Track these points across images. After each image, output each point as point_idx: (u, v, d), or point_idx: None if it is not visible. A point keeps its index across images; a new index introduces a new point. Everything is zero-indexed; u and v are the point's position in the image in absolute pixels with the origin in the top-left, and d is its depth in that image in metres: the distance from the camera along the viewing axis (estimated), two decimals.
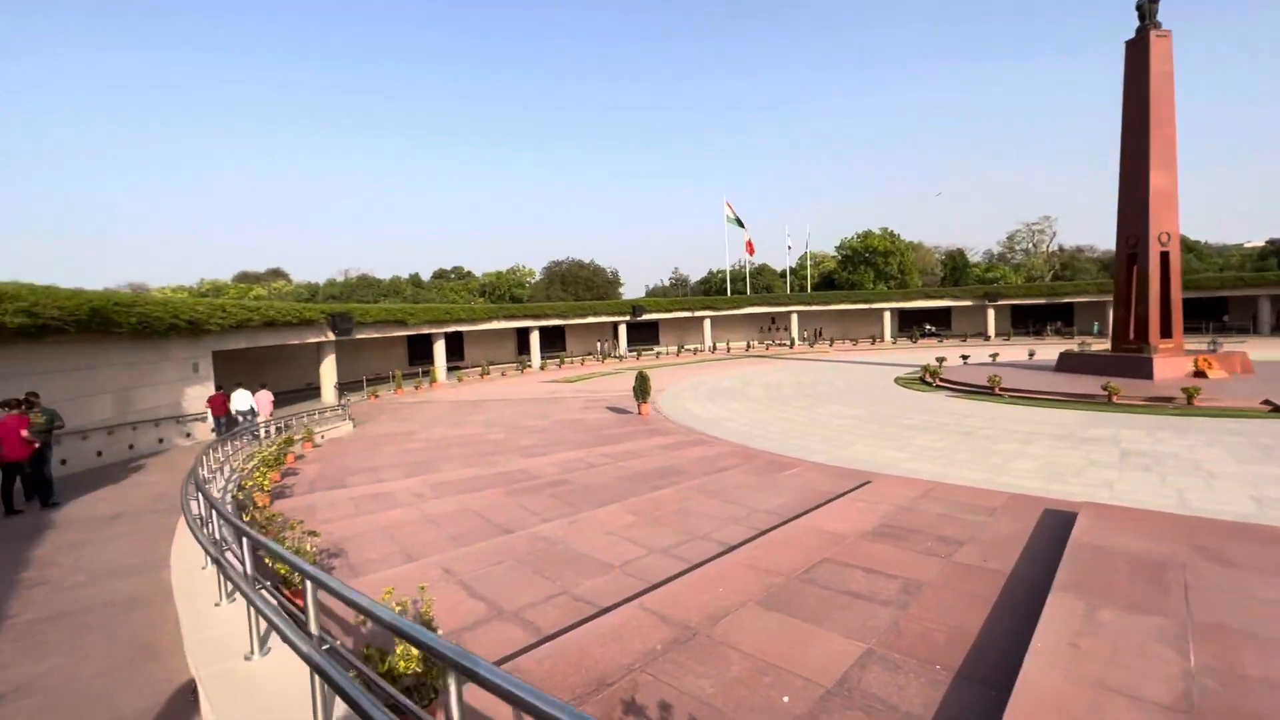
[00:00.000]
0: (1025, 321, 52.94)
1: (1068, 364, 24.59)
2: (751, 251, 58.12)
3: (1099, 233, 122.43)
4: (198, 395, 17.28)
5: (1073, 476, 9.91)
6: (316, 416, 18.38)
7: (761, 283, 71.53)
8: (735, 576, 5.08)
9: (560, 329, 47.39)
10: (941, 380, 24.57)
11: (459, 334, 39.87)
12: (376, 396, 28.80)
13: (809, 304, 53.47)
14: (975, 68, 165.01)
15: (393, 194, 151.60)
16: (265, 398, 17.61)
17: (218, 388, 17.47)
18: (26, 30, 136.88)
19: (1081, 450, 12.03)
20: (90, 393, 13.38)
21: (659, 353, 49.82)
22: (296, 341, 24.31)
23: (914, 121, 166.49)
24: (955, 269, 79.56)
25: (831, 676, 3.64)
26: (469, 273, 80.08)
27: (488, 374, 37.23)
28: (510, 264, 78.29)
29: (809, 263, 67.05)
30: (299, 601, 4.91)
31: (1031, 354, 31.66)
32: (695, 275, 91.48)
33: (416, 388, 32.12)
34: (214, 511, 4.34)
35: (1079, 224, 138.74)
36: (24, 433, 8.86)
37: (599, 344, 48.37)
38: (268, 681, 3.04)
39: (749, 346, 52.54)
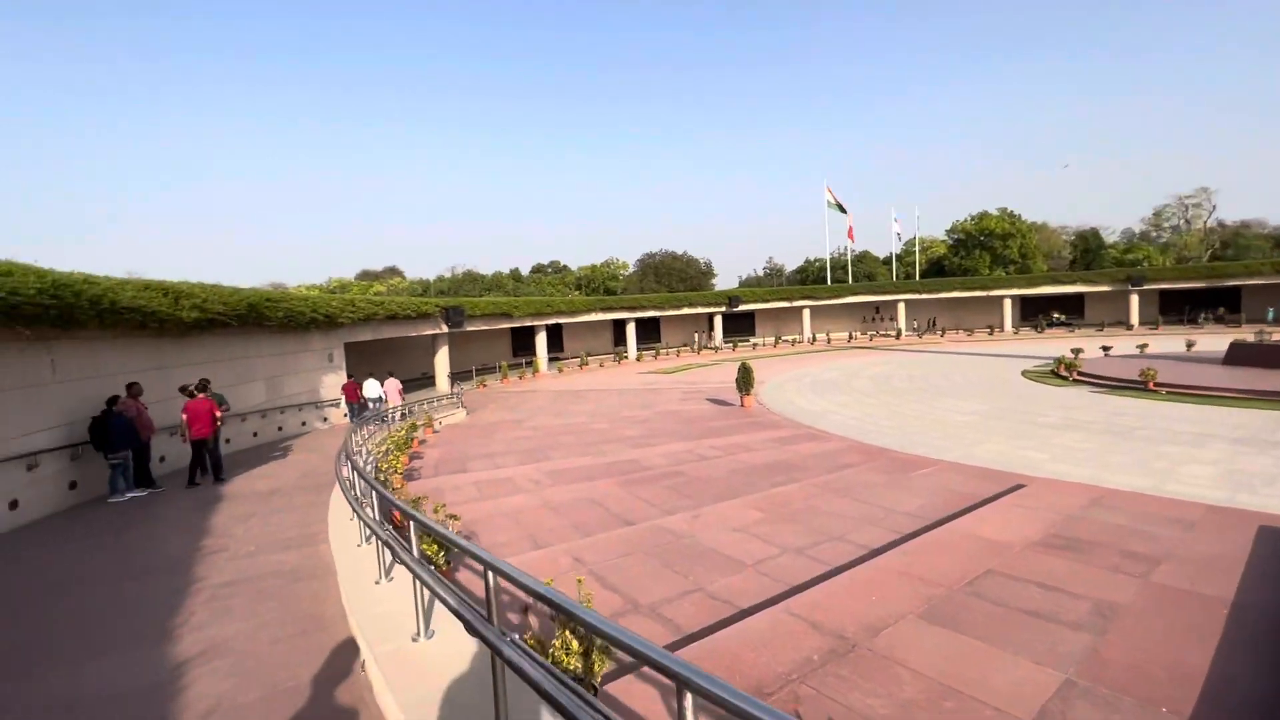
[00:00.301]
0: (1177, 308, 46.50)
1: (1241, 356, 21.32)
2: (852, 237, 55.32)
3: (1271, 205, 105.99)
4: (332, 383, 18.83)
5: (1264, 486, 8.47)
6: (435, 404, 19.48)
7: (863, 270, 68.07)
8: (888, 584, 4.67)
9: (656, 320, 47.51)
10: (1080, 374, 22.13)
11: (558, 326, 40.99)
12: (484, 385, 30.23)
13: (917, 292, 50.11)
14: (1111, 32, 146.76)
15: (493, 191, 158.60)
16: (394, 386, 18.91)
17: (349, 376, 18.96)
18: (174, 30, 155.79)
19: (1271, 455, 10.31)
20: (247, 380, 14.90)
21: (755, 344, 48.70)
22: (414, 334, 25.93)
23: (1038, 94, 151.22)
24: (1087, 251, 71.75)
25: (1028, 709, 3.19)
26: (565, 266, 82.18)
27: (586, 364, 38.04)
28: (604, 257, 79.62)
29: (917, 248, 62.80)
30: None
31: (1190, 345, 27.79)
32: (790, 264, 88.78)
33: (520, 377, 33.40)
34: (374, 493, 4.53)
35: (1240, 196, 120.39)
36: (217, 413, 10.09)
37: (696, 335, 47.97)
38: (438, 664, 3.08)
39: (851, 337, 50.18)
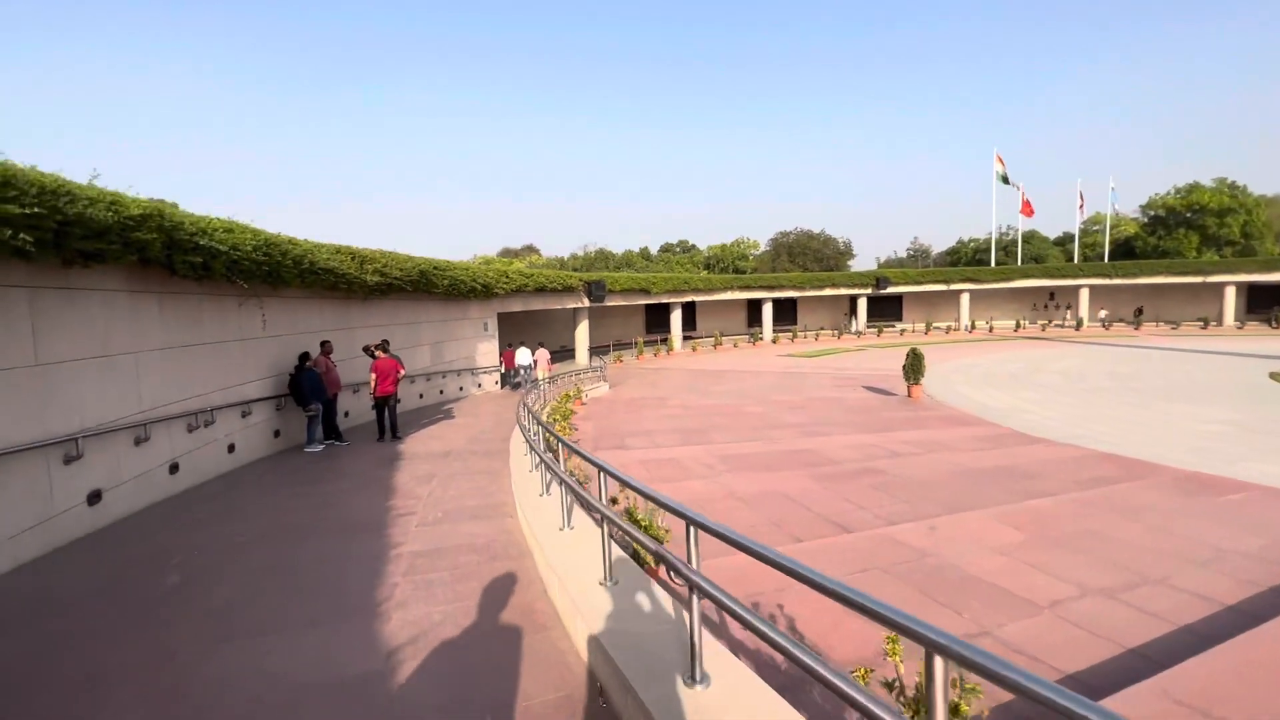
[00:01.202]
0: None
1: None
2: (1030, 211, 48.58)
3: None
4: (486, 350, 19.40)
5: None
6: (580, 377, 19.45)
7: (1029, 252, 59.91)
8: None
9: (792, 301, 45.03)
10: None
11: (692, 304, 40.10)
12: (620, 361, 30.22)
13: (1106, 276, 42.96)
14: None
15: (622, 169, 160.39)
16: (544, 355, 19.21)
17: (506, 345, 19.46)
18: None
19: None
20: (415, 344, 15.55)
21: (902, 330, 44.70)
22: (558, 306, 26.30)
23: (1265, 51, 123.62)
24: None
25: None
26: (693, 246, 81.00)
27: (720, 344, 36.94)
28: (733, 236, 77.19)
29: (1107, 225, 53.93)
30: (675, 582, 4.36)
31: None
32: (938, 245, 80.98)
33: (655, 354, 33.09)
34: (602, 477, 3.85)
35: None
36: (402, 371, 10.44)
37: (846, 318, 44.82)
38: None
39: (1018, 326, 44.37)
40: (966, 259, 68.24)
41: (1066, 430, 12.65)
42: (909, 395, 17.80)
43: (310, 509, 6.69)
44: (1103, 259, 51.16)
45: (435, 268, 15.44)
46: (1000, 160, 48.41)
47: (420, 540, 5.51)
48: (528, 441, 6.49)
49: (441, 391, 16.88)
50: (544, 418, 11.38)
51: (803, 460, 9.11)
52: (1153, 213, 59.50)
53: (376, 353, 10.63)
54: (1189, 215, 55.86)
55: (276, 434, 9.93)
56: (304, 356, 9.78)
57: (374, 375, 10.30)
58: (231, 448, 8.64)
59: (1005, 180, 48.88)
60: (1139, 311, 43.68)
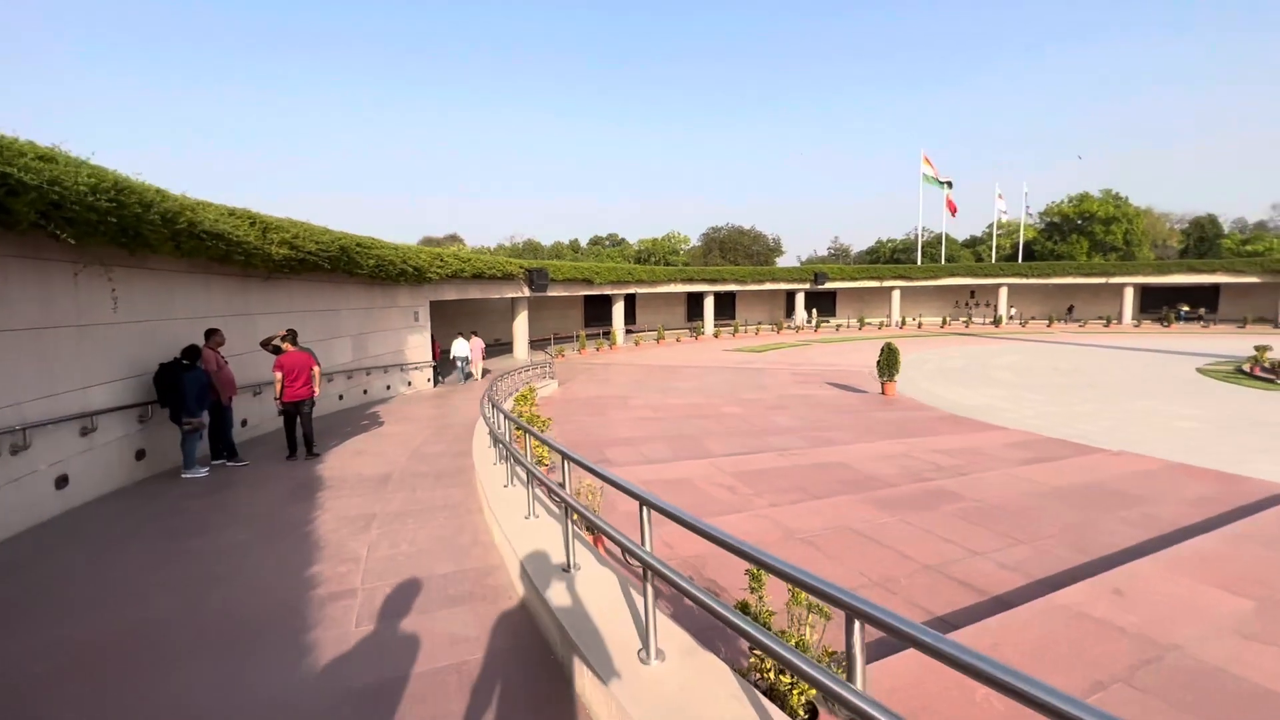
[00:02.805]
0: None
1: None
2: (954, 211, 50.42)
3: None
4: (417, 344, 16.75)
5: None
6: (527, 372, 17.17)
7: (942, 254, 62.74)
8: None
9: (731, 296, 44.28)
10: None
11: (632, 297, 38.33)
12: (563, 355, 27.99)
13: (1024, 276, 45.19)
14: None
15: (547, 164, 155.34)
16: (477, 345, 17.24)
17: (433, 338, 16.97)
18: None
19: None
20: (334, 335, 12.81)
21: (837, 325, 45.05)
22: (496, 296, 23.72)
23: (1144, 73, 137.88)
24: (1202, 239, 64.80)
25: None
26: (623, 240, 79.59)
27: (663, 339, 35.42)
28: (661, 231, 76.27)
29: (1022, 227, 57.16)
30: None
31: None
32: (856, 246, 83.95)
33: (598, 348, 31.09)
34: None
35: None
36: (316, 369, 7.99)
37: (795, 313, 44.31)
38: None
39: (945, 322, 45.86)
40: (885, 258, 70.78)
41: (1058, 430, 11.99)
42: (884, 392, 16.91)
43: (182, 587, 4.32)
44: (1011, 260, 54.14)
45: (359, 245, 12.75)
46: (928, 161, 49.91)
47: (371, 660, 3.33)
48: (543, 482, 4.42)
49: (366, 392, 14.17)
50: (503, 426, 9.19)
51: (839, 478, 7.52)
52: (1049, 219, 64.06)
53: (283, 345, 8.09)
54: (1080, 222, 60.50)
55: (140, 455, 7.21)
56: (191, 351, 7.13)
57: (279, 374, 7.77)
58: (63, 481, 5.97)
59: (938, 183, 50.48)
60: (1070, 310, 46.32)
